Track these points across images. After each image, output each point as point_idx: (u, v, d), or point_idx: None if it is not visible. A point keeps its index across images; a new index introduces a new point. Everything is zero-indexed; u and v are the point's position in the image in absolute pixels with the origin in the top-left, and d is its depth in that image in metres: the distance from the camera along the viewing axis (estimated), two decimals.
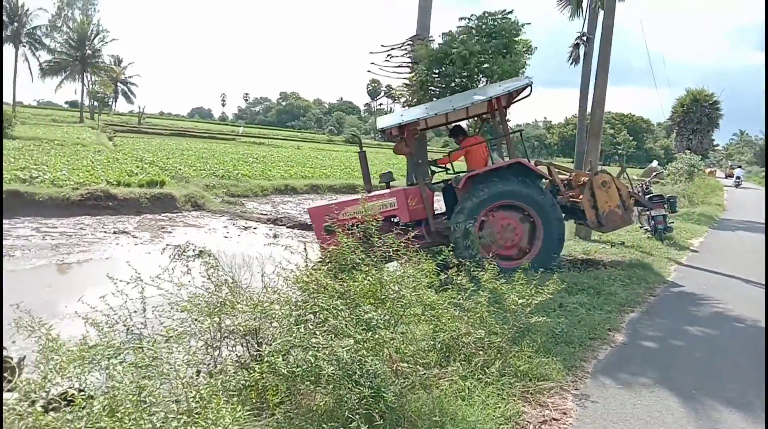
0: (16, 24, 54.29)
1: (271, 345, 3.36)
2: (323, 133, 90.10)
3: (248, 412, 2.93)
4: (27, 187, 14.79)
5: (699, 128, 40.63)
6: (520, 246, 8.40)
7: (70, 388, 2.81)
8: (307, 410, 3.21)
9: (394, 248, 4.75)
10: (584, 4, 21.67)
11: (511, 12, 10.91)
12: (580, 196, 8.79)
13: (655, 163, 41.04)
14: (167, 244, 10.88)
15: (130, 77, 74.84)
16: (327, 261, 4.87)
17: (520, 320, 4.65)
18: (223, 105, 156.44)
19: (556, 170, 9.19)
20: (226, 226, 14.88)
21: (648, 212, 11.96)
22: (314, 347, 3.19)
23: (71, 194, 15.11)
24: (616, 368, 4.97)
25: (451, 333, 4.29)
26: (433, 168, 9.91)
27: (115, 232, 12.79)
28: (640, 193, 14.86)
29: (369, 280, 4.04)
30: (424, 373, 3.68)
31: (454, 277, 4.93)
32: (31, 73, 57.45)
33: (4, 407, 2.52)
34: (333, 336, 3.38)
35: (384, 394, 3.09)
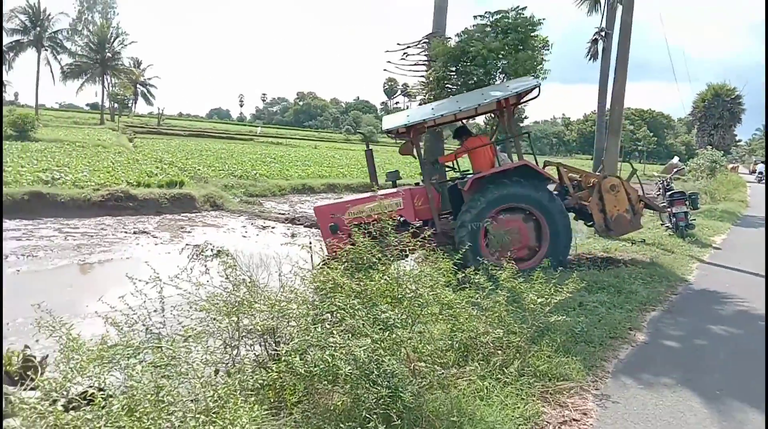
0: (38, 28, 55.18)
1: (288, 344, 3.36)
2: (340, 132, 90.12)
3: (266, 412, 2.93)
4: (49, 189, 15.07)
5: (721, 123, 40.04)
6: (529, 246, 8.30)
7: (90, 387, 2.84)
8: (325, 410, 3.22)
9: (410, 247, 4.72)
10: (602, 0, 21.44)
11: (524, 8, 10.86)
12: (589, 199, 8.67)
13: (676, 160, 40.38)
14: (186, 244, 11.04)
15: (150, 79, 75.86)
16: (343, 260, 4.86)
17: (539, 319, 4.59)
18: (241, 105, 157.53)
19: (565, 170, 9.08)
20: (244, 226, 15.00)
21: (669, 209, 11.78)
22: (331, 346, 3.18)
23: (92, 195, 15.36)
24: (638, 368, 4.90)
25: (469, 332, 4.25)
26: (446, 166, 9.87)
27: (135, 233, 12.97)
28: (661, 190, 14.72)
29: (386, 279, 4.03)
30: (442, 373, 3.66)
31: (472, 276, 4.89)
32: (53, 76, 58.34)
33: (26, 406, 2.55)
34: (350, 335, 3.37)
35: (401, 394, 3.07)
